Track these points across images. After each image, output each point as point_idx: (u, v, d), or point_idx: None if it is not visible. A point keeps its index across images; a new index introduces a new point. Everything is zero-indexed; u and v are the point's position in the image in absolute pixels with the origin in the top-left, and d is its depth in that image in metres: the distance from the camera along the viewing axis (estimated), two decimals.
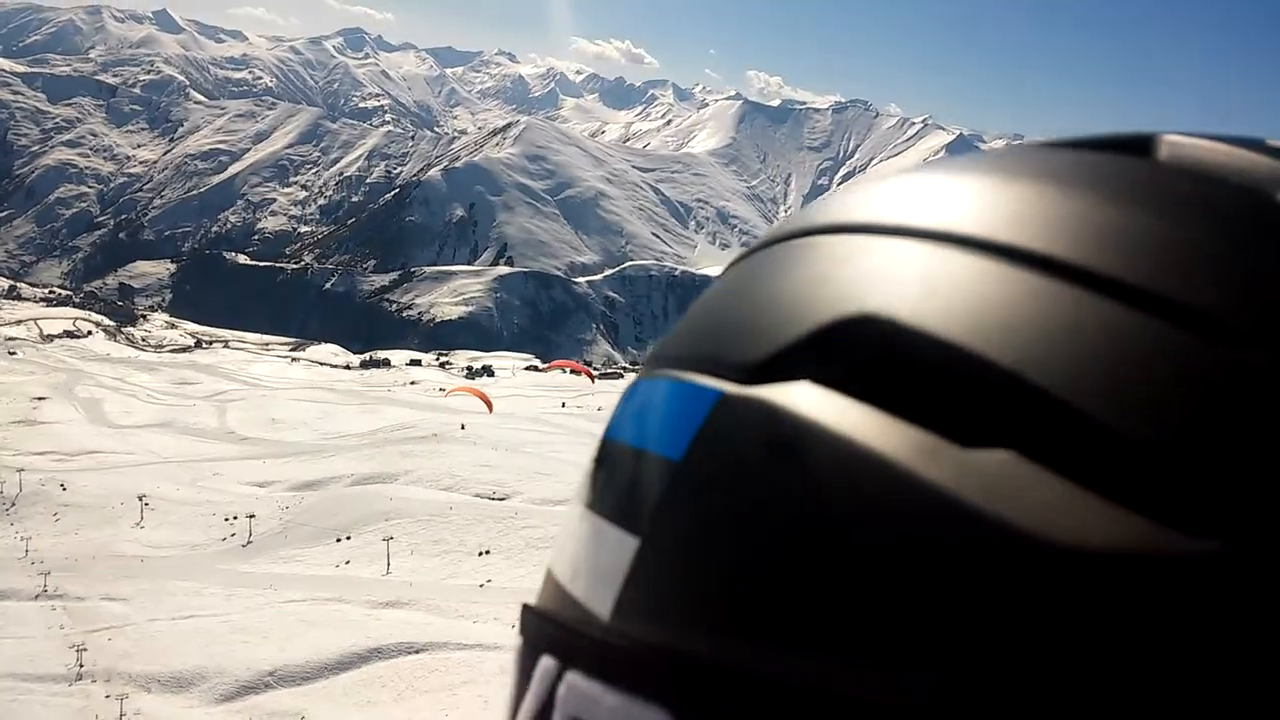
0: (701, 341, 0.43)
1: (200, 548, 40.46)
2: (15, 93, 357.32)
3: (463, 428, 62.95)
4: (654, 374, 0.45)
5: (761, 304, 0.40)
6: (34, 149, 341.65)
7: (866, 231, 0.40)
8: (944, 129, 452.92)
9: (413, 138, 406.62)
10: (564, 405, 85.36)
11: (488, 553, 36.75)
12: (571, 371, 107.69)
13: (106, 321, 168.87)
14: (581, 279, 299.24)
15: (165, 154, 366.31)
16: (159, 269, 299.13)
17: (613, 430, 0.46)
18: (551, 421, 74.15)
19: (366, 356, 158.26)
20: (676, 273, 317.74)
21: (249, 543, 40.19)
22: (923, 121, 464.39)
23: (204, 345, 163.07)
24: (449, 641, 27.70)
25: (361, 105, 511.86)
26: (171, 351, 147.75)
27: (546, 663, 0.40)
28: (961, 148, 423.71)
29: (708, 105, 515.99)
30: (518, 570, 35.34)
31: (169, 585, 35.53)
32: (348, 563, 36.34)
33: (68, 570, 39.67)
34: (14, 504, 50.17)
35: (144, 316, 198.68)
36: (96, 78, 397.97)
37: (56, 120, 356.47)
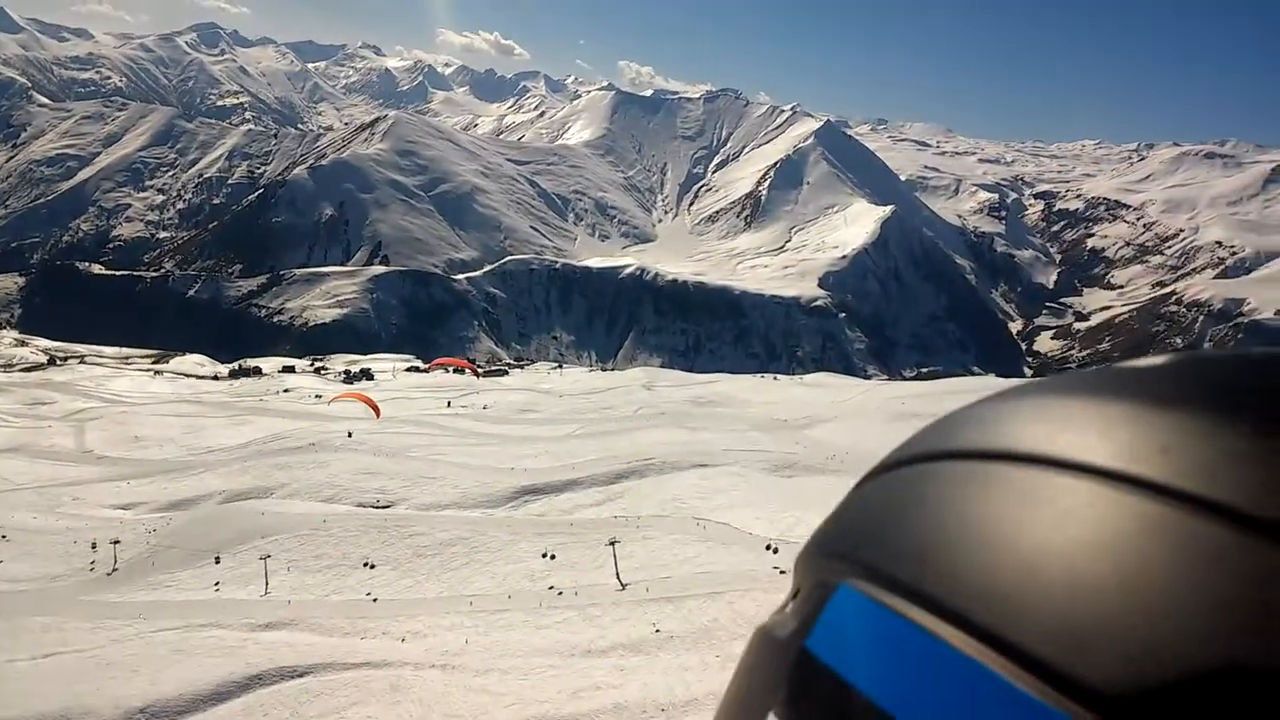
0: (974, 600, 0.37)
1: (61, 579, 37.77)
2: None
3: (349, 435, 60.89)
4: (896, 608, 0.38)
5: (1086, 580, 0.35)
6: None
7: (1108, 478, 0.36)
8: (811, 115, 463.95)
9: (275, 135, 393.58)
10: (449, 405, 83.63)
11: (372, 565, 35.39)
12: (455, 370, 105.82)
13: None
14: (461, 275, 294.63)
15: (8, 160, 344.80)
16: (6, 282, 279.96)
17: (831, 655, 0.38)
18: (436, 423, 72.44)
19: (236, 365, 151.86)
20: (558, 265, 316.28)
21: (114, 570, 37.70)
22: (791, 109, 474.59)
23: (58, 362, 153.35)
24: (334, 662, 26.48)
25: (220, 103, 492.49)
26: (22, 370, 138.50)
27: None
28: (830, 133, 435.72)
29: (581, 96, 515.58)
30: (405, 581, 34.16)
31: (27, 622, 33.03)
32: (219, 586, 34.43)
33: None
34: None
35: None
36: None
37: None
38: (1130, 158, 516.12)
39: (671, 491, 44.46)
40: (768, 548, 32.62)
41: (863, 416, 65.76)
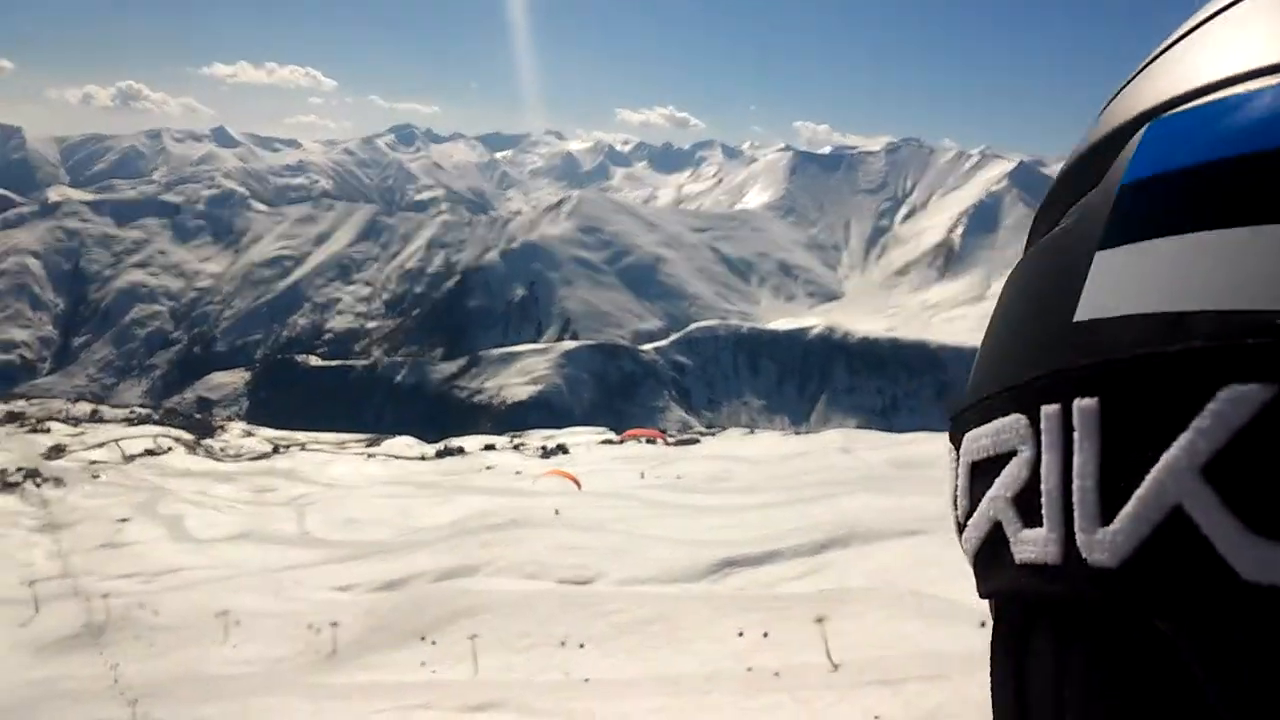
0: None
1: (284, 660, 39.21)
2: (85, 220, 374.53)
3: (557, 513, 61.41)
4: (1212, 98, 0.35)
5: None
6: (106, 273, 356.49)
7: None
8: (1002, 157, 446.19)
9: (468, 223, 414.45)
10: (643, 475, 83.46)
11: (579, 645, 34.74)
12: (648, 440, 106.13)
13: (185, 435, 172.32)
14: (648, 346, 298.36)
15: (231, 265, 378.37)
16: (234, 378, 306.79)
17: (1162, 165, 0.35)
18: (632, 495, 72.21)
19: (441, 446, 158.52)
20: (744, 330, 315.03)
21: (334, 652, 38.78)
22: (980, 153, 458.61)
23: (281, 450, 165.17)
24: None
25: (417, 198, 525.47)
26: (250, 459, 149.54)
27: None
28: (1024, 173, 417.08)
29: (757, 160, 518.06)
30: (607, 661, 33.21)
31: (253, 703, 34.09)
32: (428, 665, 34.69)
33: (155, 696, 38.62)
34: (103, 631, 49.79)
35: (221, 427, 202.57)
36: (160, 198, 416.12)
37: (125, 243, 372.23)
38: None
39: (880, 561, 41.77)
40: (982, 624, 29.59)
41: None
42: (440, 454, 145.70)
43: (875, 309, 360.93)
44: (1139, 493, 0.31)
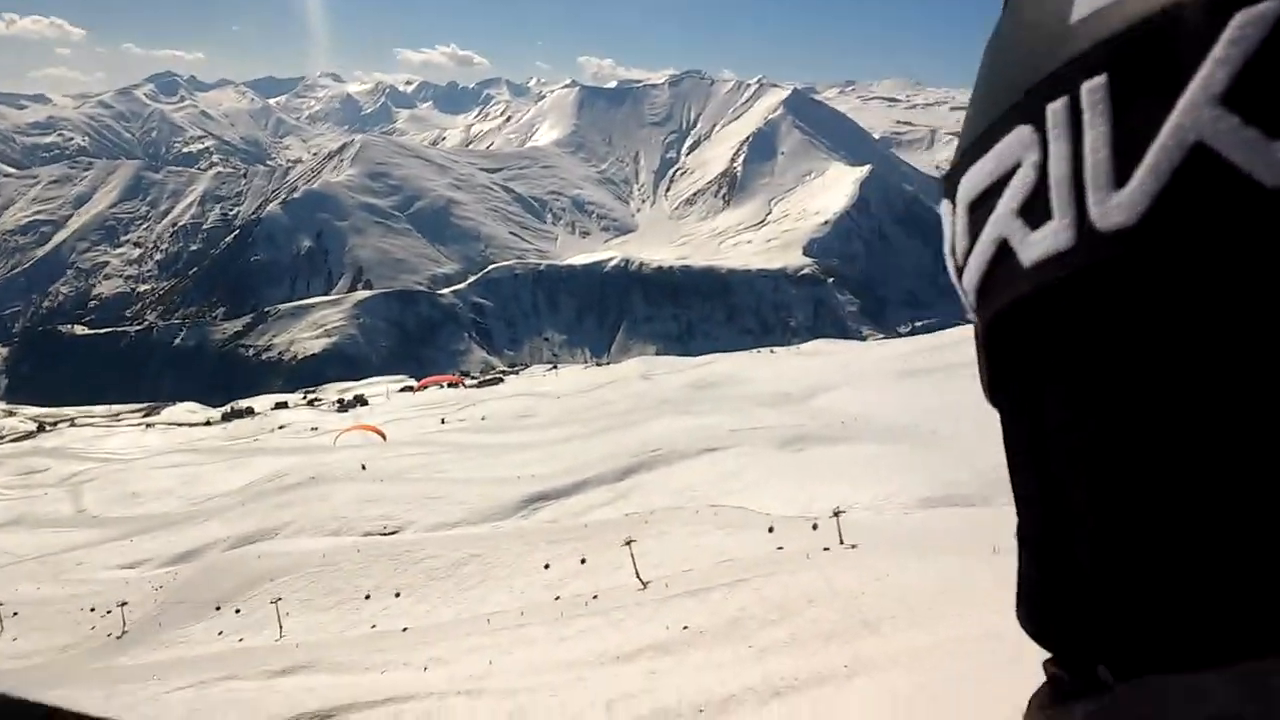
0: None
1: (71, 648, 36.66)
2: None
3: (363, 468, 59.75)
4: None
5: None
6: None
7: None
8: (778, 85, 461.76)
9: (245, 175, 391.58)
10: (444, 421, 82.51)
11: (393, 594, 34.29)
12: (449, 385, 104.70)
13: None
14: (446, 290, 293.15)
15: None
16: None
17: None
18: (435, 441, 71.39)
19: (228, 408, 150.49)
20: (542, 267, 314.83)
21: (124, 633, 36.56)
22: (757, 82, 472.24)
23: (48, 428, 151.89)
24: (358, 701, 25.13)
25: (185, 150, 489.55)
26: (13, 440, 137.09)
27: None
28: (798, 101, 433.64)
29: (545, 97, 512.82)
30: (421, 607, 33.02)
31: (44, 696, 31.38)
32: (229, 635, 33.34)
33: None
34: None
35: None
36: None
37: None
38: None
39: (683, 480, 43.40)
40: (769, 530, 31.43)
41: (867, 379, 64.72)
42: (228, 417, 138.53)
43: (667, 239, 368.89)
44: (1156, 142, 0.30)
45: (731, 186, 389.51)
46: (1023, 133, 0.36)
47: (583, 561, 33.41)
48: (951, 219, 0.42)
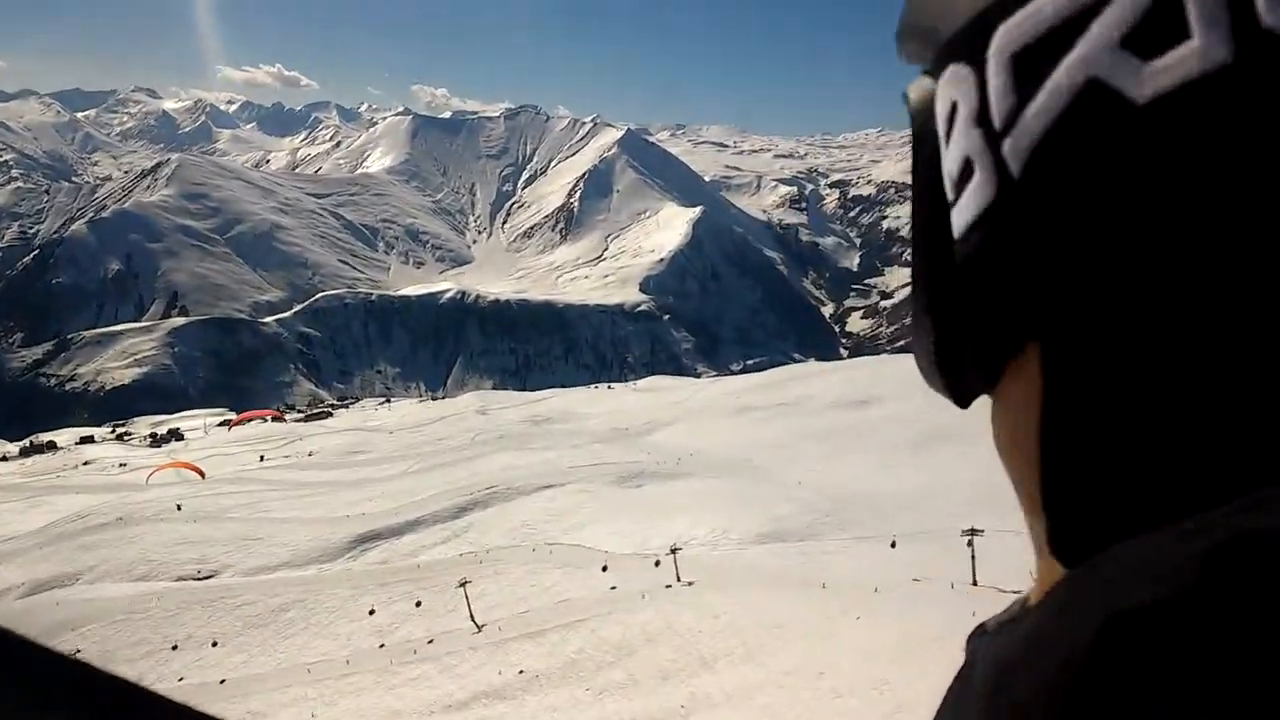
0: None
1: None
2: None
3: (179, 508, 55.72)
4: None
5: None
6: None
7: None
8: (613, 125, 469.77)
9: (48, 191, 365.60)
10: (263, 459, 78.54)
11: (212, 644, 32.13)
12: (271, 419, 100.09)
13: None
14: (269, 318, 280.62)
15: None
16: None
17: None
18: (258, 478, 67.80)
19: (26, 442, 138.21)
20: (373, 297, 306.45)
21: None
22: (592, 121, 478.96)
23: None
24: None
25: None
26: None
27: None
28: (632, 142, 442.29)
29: (377, 123, 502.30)
30: (236, 657, 31.08)
31: None
32: None
33: None
34: None
35: None
36: None
37: None
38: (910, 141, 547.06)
39: (520, 518, 42.86)
40: (603, 569, 31.47)
41: (703, 416, 66.09)
42: (26, 451, 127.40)
43: (504, 272, 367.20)
44: None
45: (569, 222, 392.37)
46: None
47: (418, 604, 32.37)
48: (969, 83, 0.37)
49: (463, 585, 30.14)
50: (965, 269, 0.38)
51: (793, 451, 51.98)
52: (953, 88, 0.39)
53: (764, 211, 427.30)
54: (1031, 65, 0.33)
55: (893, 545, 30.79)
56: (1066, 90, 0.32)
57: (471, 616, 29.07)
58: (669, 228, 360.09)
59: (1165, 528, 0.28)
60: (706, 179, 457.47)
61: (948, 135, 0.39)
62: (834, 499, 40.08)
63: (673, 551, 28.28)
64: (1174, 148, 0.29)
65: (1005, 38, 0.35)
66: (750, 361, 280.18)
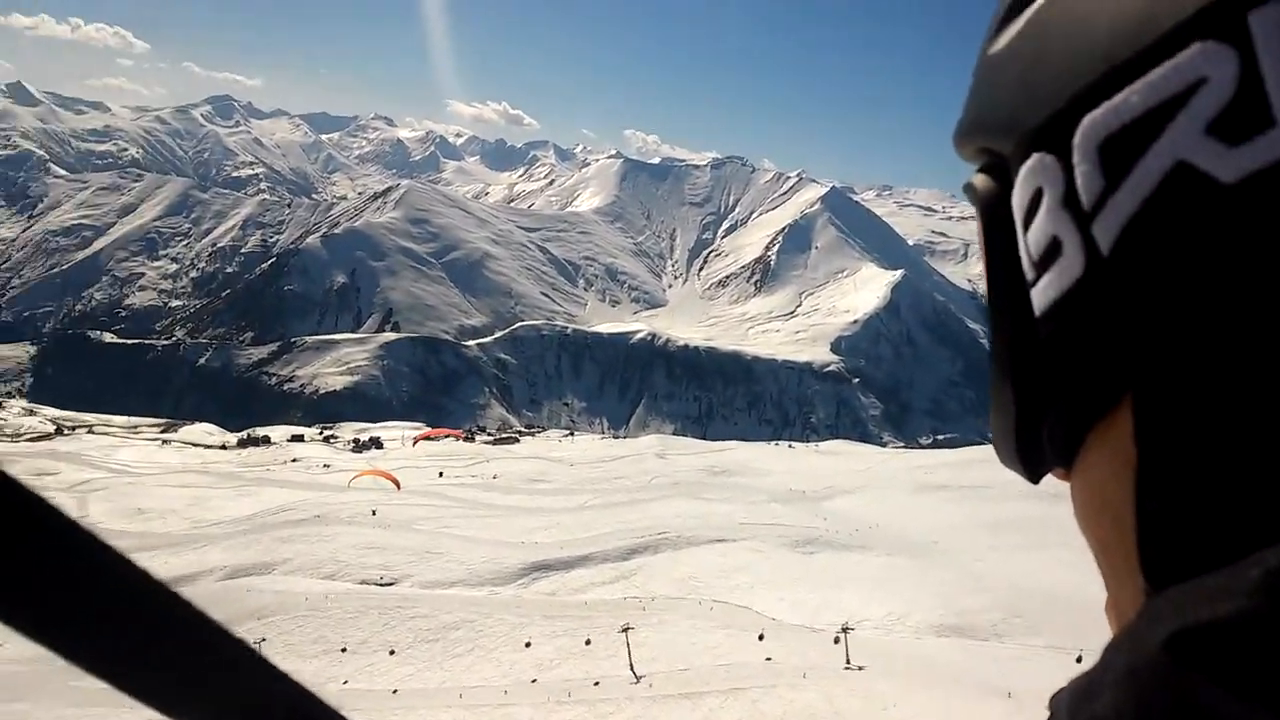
0: None
1: (39, 661, 35.69)
2: None
3: (374, 513, 58.81)
4: None
5: None
6: None
7: None
8: (817, 181, 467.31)
9: (289, 205, 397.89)
10: (441, 474, 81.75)
11: (389, 652, 33.29)
12: (451, 438, 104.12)
13: None
14: (471, 342, 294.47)
15: (24, 231, 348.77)
16: (17, 351, 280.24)
17: None
18: (444, 494, 70.58)
19: (244, 434, 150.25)
20: (569, 331, 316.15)
21: None
22: (797, 175, 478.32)
23: (65, 432, 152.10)
24: None
25: (235, 174, 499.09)
26: (29, 440, 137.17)
27: None
28: (836, 199, 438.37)
29: (589, 165, 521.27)
30: (404, 669, 31.98)
31: (2, 710, 30.79)
32: None
33: None
34: None
35: None
36: None
37: None
38: None
39: (688, 569, 42.39)
40: (759, 637, 30.29)
41: (887, 487, 63.59)
42: (243, 443, 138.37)
43: (696, 318, 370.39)
44: None
45: (764, 274, 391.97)
46: (1205, 49, 0.35)
47: (587, 643, 32.29)
48: (1054, 170, 0.39)
49: (625, 631, 29.92)
50: (1051, 342, 0.41)
51: (981, 538, 49.02)
52: (1037, 175, 0.41)
53: (969, 281, 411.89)
54: (1119, 152, 0.36)
55: (1078, 660, 28.18)
56: (1156, 172, 0.35)
57: (631, 666, 28.81)
58: (866, 289, 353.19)
59: (1238, 561, 0.30)
60: (910, 242, 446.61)
61: (1028, 220, 0.41)
62: (1023, 597, 37.29)
63: (844, 631, 26.98)
64: (1261, 220, 0.32)
65: (1091, 128, 0.37)
66: (941, 436, 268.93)
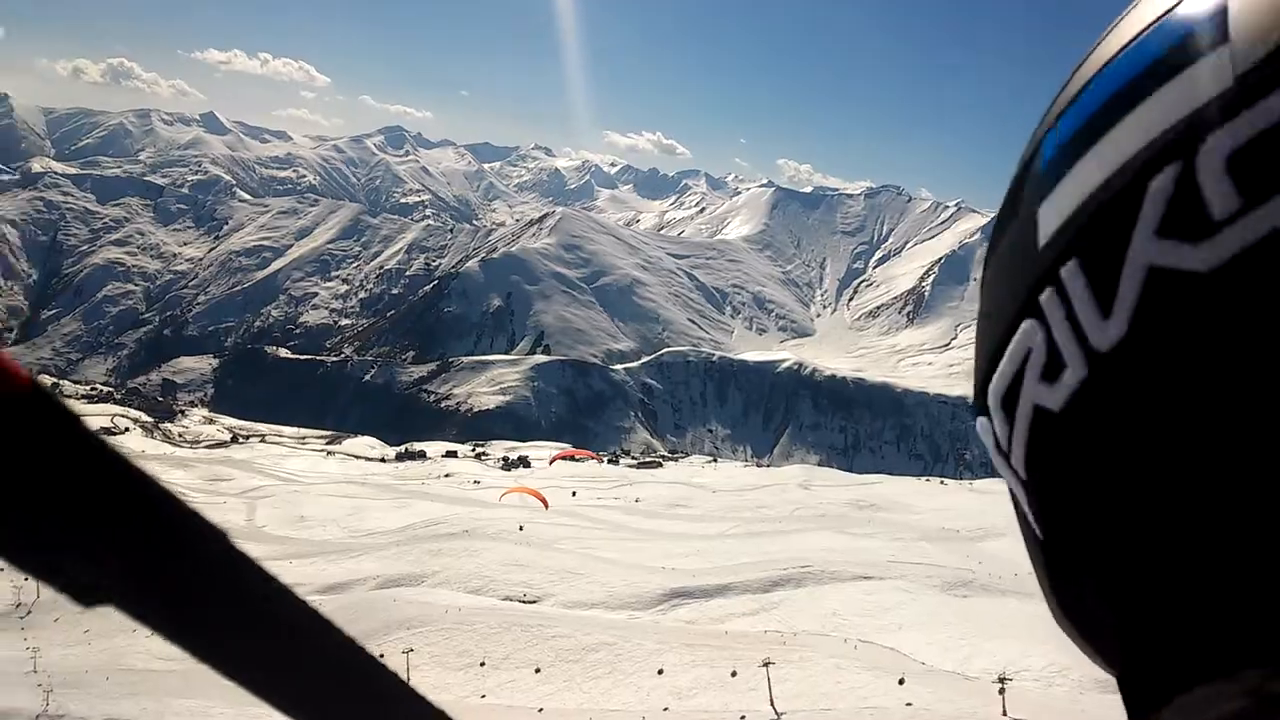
0: None
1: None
2: (65, 194, 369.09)
3: (521, 529, 60.17)
4: None
5: None
6: (83, 248, 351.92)
7: None
8: (977, 212, 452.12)
9: (451, 230, 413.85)
10: (574, 494, 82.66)
11: (535, 669, 33.65)
12: (584, 458, 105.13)
13: (144, 418, 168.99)
14: (619, 366, 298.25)
15: (210, 251, 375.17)
16: (201, 364, 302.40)
17: None
18: (589, 515, 71.31)
19: (402, 448, 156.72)
20: (714, 358, 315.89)
21: None
22: (956, 205, 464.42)
23: (241, 440, 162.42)
24: None
25: (402, 200, 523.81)
26: (208, 447, 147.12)
27: None
28: None
29: (740, 193, 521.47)
30: (544, 687, 32.19)
31: (174, 704, 32.72)
32: None
33: (74, 686, 37.25)
34: (30, 611, 48.20)
35: (182, 412, 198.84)
36: (145, 178, 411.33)
37: (105, 220, 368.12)
38: None
39: (832, 605, 41.21)
40: (900, 681, 28.94)
41: None
42: (401, 457, 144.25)
43: (844, 348, 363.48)
44: (1123, 277, 0.40)
45: (918, 305, 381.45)
46: (1027, 326, 0.45)
47: (734, 674, 31.69)
48: (990, 425, 0.50)
49: (766, 665, 29.25)
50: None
51: None
52: (984, 432, 0.52)
53: None
54: (1008, 407, 0.47)
55: None
56: (1025, 419, 0.44)
57: (772, 701, 28.13)
58: None
59: (1219, 680, 0.33)
60: None
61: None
62: None
63: (1001, 682, 25.52)
64: (1078, 428, 0.41)
65: (992, 394, 0.50)
66: None
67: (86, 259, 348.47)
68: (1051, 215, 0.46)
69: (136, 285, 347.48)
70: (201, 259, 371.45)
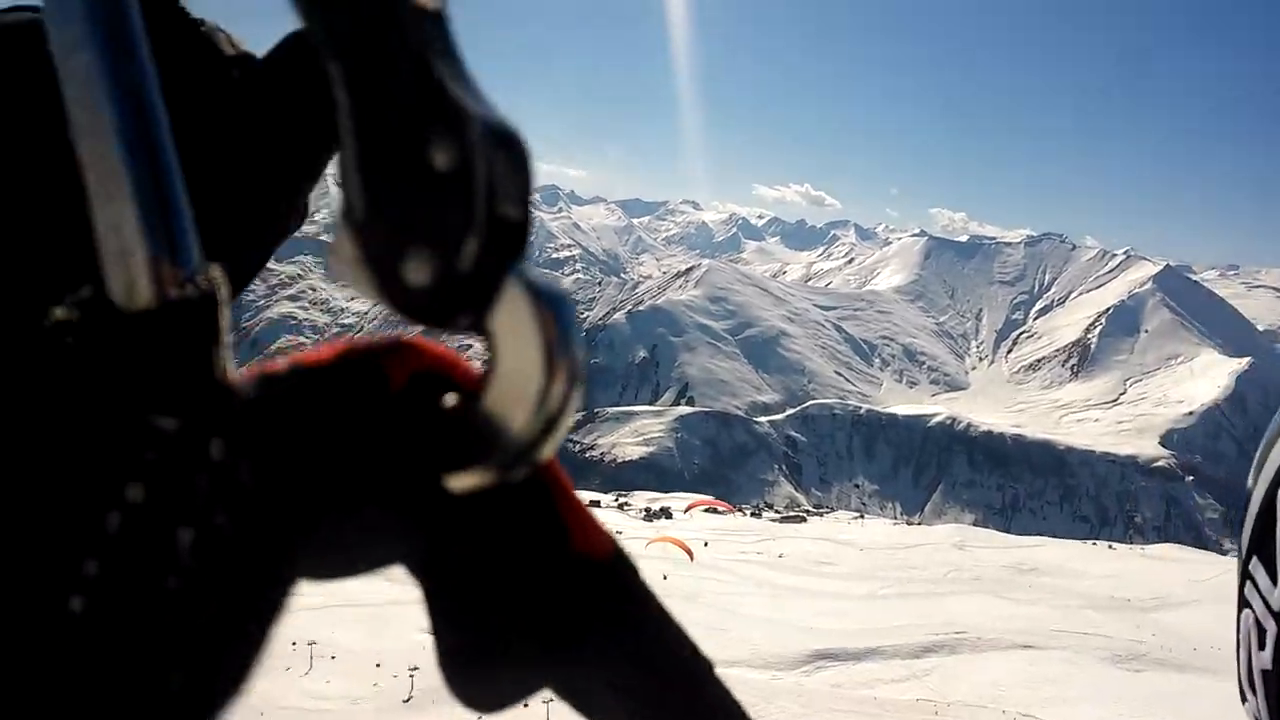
0: None
1: (361, 701, 38.75)
2: None
3: (665, 578, 59.81)
4: None
5: None
6: (259, 303, 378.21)
7: None
8: (1148, 260, 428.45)
9: (600, 284, 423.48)
10: (706, 544, 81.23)
11: None
12: (751, 514, 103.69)
13: None
14: (763, 418, 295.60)
15: (375, 305, 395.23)
16: None
17: None
18: (732, 569, 70.16)
19: None
20: (861, 411, 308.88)
21: (409, 699, 38.17)
22: (1124, 253, 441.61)
23: None
24: None
25: (554, 255, 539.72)
26: None
27: None
28: (1171, 279, 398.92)
29: (891, 243, 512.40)
30: None
31: None
32: None
33: None
34: None
35: None
36: (319, 238, 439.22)
37: (281, 277, 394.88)
38: None
39: (989, 675, 38.85)
40: None
41: (1232, 602, 55.31)
42: None
43: (1001, 403, 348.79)
44: None
45: (1082, 358, 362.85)
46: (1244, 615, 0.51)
47: None
48: (1254, 708, 0.53)
49: None
50: None
51: None
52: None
53: None
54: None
55: None
56: None
57: None
58: (1205, 377, 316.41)
59: None
60: (1260, 328, 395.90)
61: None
62: None
63: None
64: None
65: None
66: None
67: (263, 313, 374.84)
68: None
69: (307, 338, 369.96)
70: (367, 313, 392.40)
